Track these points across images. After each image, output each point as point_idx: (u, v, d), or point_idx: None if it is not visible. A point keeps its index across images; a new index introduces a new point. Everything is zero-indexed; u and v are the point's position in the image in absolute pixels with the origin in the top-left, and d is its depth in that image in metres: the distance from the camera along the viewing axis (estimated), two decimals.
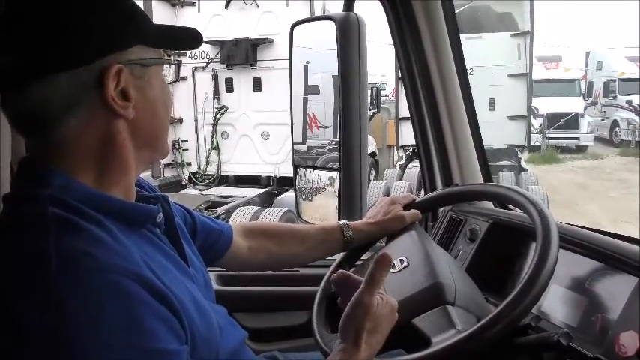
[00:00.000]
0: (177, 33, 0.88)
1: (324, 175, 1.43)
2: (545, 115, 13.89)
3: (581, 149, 14.83)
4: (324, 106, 1.43)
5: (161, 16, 7.15)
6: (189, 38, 0.89)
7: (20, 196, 0.76)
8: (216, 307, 0.91)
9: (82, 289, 0.65)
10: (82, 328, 0.64)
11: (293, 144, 1.46)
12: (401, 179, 8.41)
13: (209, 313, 0.84)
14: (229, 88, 7.81)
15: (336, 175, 1.35)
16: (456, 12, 1.59)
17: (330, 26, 1.23)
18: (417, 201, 1.32)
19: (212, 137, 7.92)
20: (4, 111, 0.77)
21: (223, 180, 8.13)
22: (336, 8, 1.36)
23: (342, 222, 1.23)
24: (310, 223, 1.46)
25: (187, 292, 0.80)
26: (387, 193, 7.51)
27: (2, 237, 0.71)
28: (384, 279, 0.85)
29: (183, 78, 7.53)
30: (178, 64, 0.92)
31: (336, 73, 1.26)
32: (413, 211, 1.25)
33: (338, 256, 1.27)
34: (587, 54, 18.94)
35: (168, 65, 0.87)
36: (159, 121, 0.83)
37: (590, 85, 18.11)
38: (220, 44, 7.45)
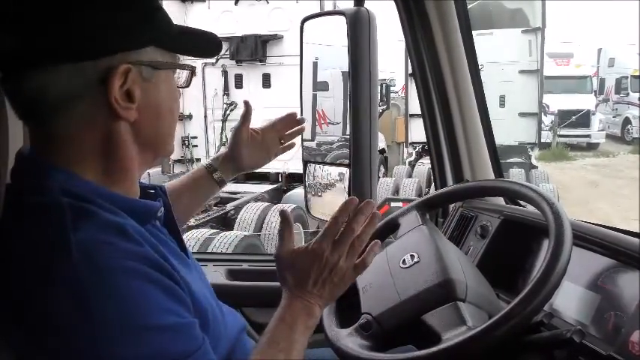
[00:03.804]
0: (197, 39, 0.85)
1: (333, 171, 1.42)
2: (556, 112, 13.77)
3: (592, 147, 14.70)
4: (334, 103, 1.42)
5: (171, 12, 7.10)
6: (209, 47, 0.87)
7: (25, 187, 0.74)
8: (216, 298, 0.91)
9: (102, 277, 0.66)
10: (106, 314, 0.66)
11: (302, 140, 1.45)
12: (410, 176, 8.39)
13: (211, 302, 0.85)
14: (239, 84, 7.82)
15: (345, 170, 1.34)
16: (468, 8, 1.58)
17: (341, 21, 1.22)
18: (427, 197, 1.31)
19: (221, 133, 7.93)
20: (4, 90, 0.74)
21: None
22: (345, 5, 1.35)
23: (206, 163, 1.24)
24: (321, 220, 1.45)
25: (190, 281, 0.80)
26: (397, 190, 7.50)
27: (16, 225, 0.71)
28: (340, 229, 0.86)
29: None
30: (192, 70, 0.87)
31: (345, 69, 1.25)
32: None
33: None
34: (599, 51, 18.72)
35: (180, 69, 0.85)
36: (163, 124, 0.81)
37: (602, 82, 17.90)
38: (230, 40, 7.43)
